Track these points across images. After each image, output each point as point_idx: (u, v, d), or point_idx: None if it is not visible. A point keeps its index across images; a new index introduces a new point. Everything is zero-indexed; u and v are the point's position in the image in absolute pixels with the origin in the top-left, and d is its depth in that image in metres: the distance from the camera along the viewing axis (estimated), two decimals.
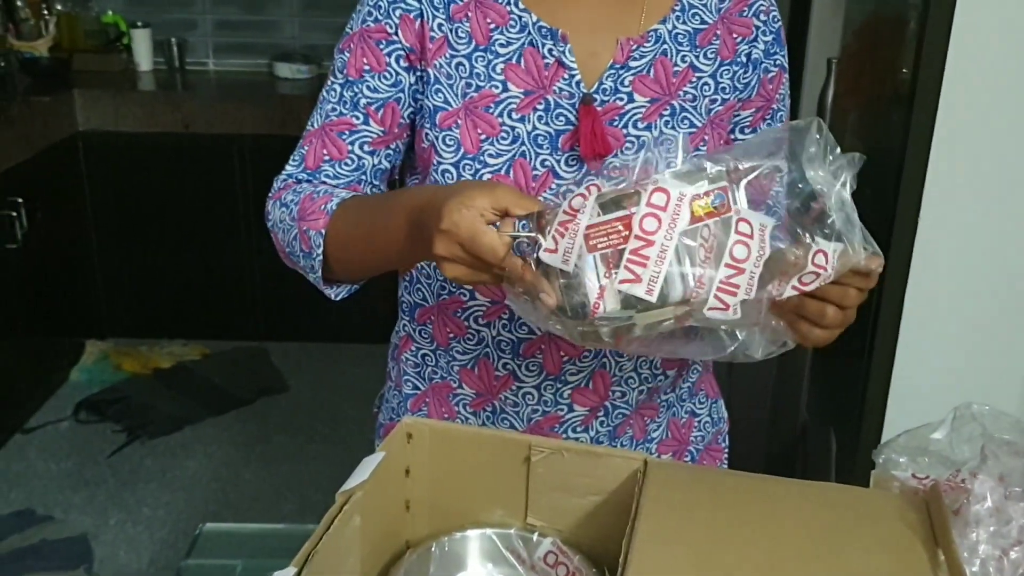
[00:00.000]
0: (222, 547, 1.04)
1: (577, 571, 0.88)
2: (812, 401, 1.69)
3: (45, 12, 3.31)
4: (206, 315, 3.35)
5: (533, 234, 0.76)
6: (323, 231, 0.92)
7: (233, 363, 3.20)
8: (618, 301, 0.75)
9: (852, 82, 2.18)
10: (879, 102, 2.01)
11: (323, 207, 0.93)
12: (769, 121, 1.05)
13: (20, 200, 2.72)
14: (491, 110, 0.96)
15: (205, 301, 3.34)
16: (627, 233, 0.73)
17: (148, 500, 2.57)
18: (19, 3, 3.26)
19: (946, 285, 1.70)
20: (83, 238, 3.21)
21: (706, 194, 0.73)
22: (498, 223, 0.77)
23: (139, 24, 3.39)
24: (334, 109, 0.99)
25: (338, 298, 1.00)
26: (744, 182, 0.75)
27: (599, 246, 0.74)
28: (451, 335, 1.05)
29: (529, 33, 0.96)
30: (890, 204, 1.72)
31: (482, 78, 0.96)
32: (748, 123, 1.04)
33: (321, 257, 0.93)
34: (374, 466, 0.83)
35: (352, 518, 0.79)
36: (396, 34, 0.96)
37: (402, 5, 0.96)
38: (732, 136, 1.04)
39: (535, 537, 0.90)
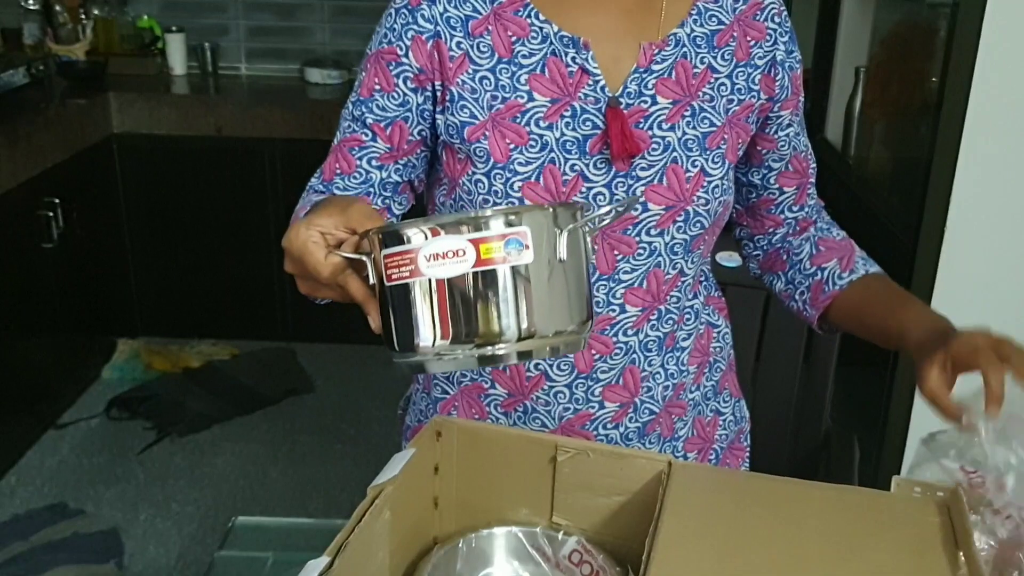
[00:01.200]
0: (254, 540, 1.06)
1: (601, 570, 0.89)
2: (836, 409, 1.69)
3: (82, 17, 3.38)
4: (235, 316, 3.40)
5: (358, 255, 0.78)
6: None
7: (261, 363, 3.24)
8: (436, 338, 0.75)
9: (880, 91, 2.19)
10: (907, 111, 2.01)
11: (303, 214, 0.94)
12: (796, 115, 1.09)
13: (56, 200, 2.78)
14: (518, 120, 0.98)
15: (235, 302, 3.39)
16: (412, 267, 0.74)
17: (177, 496, 2.61)
18: (57, 8, 3.32)
19: (972, 294, 1.71)
20: (116, 239, 3.27)
21: (500, 237, 0.73)
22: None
23: (173, 29, 3.45)
24: (348, 127, 1.02)
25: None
26: (567, 229, 0.75)
27: (392, 276, 0.75)
28: None
29: (551, 43, 0.99)
30: (917, 212, 1.72)
31: (507, 90, 0.98)
32: (787, 120, 1.08)
33: None
34: (404, 462, 0.85)
35: (383, 512, 0.81)
36: (406, 56, 0.99)
37: (414, 27, 0.99)
38: (775, 135, 1.08)
39: (560, 536, 0.92)
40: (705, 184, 1.01)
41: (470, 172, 0.99)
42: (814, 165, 1.16)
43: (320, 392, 3.16)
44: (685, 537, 0.78)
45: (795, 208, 1.15)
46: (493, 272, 0.73)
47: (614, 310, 1.03)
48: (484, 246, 0.73)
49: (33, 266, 2.79)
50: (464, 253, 0.73)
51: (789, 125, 1.09)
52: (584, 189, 0.98)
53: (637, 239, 1.00)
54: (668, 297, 1.04)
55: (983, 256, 1.70)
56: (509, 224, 0.74)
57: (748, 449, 1.23)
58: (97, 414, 2.97)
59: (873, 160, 2.27)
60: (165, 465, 2.75)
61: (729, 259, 1.49)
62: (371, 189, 1.03)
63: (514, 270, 0.74)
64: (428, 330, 0.75)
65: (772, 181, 1.12)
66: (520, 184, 0.98)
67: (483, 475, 0.95)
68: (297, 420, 3.00)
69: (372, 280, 0.77)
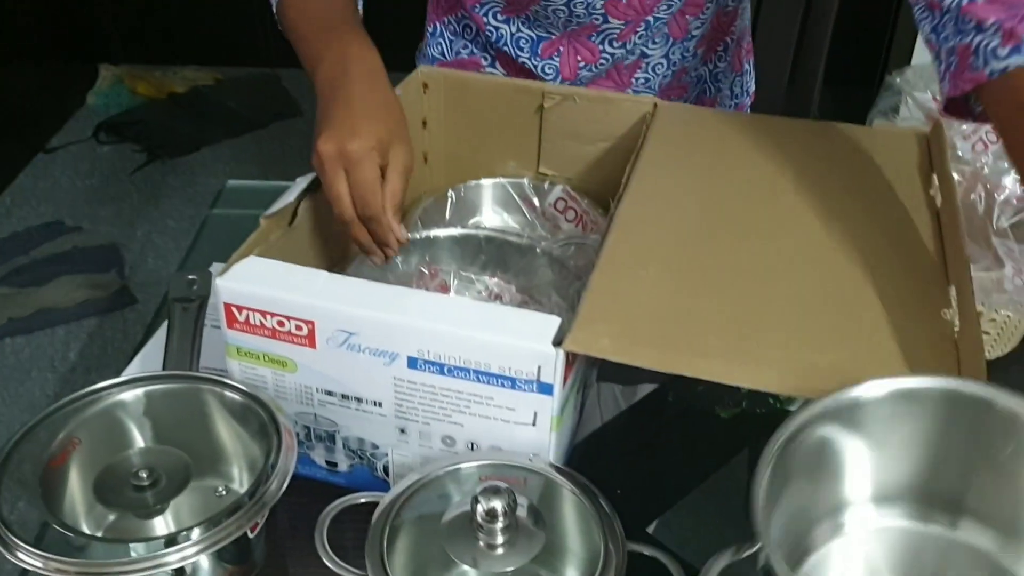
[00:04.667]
0: (246, 200, 1.09)
1: (584, 213, 0.92)
2: (831, 65, 1.66)
3: None
4: (217, 41, 3.28)
5: None
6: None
7: (246, 88, 3.18)
8: None
9: None
10: None
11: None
12: None
13: None
14: None
15: (215, 27, 3.26)
16: None
17: (173, 214, 2.64)
18: None
19: None
20: None
21: None
22: None
23: None
24: None
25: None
26: None
27: None
28: None
29: None
30: None
31: None
32: None
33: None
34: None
35: None
36: None
37: None
38: None
39: (546, 185, 0.94)
40: None
41: None
42: None
43: (308, 116, 3.12)
44: (663, 166, 0.79)
45: None
46: None
47: (596, 19, 0.98)
48: None
49: None
50: None
51: None
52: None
53: None
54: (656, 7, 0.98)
55: None
56: None
57: None
58: (85, 138, 2.95)
59: None
60: (158, 186, 2.77)
61: None
62: None
63: None
64: None
65: None
66: None
67: (471, 128, 0.95)
68: (286, 141, 2.99)
69: None
